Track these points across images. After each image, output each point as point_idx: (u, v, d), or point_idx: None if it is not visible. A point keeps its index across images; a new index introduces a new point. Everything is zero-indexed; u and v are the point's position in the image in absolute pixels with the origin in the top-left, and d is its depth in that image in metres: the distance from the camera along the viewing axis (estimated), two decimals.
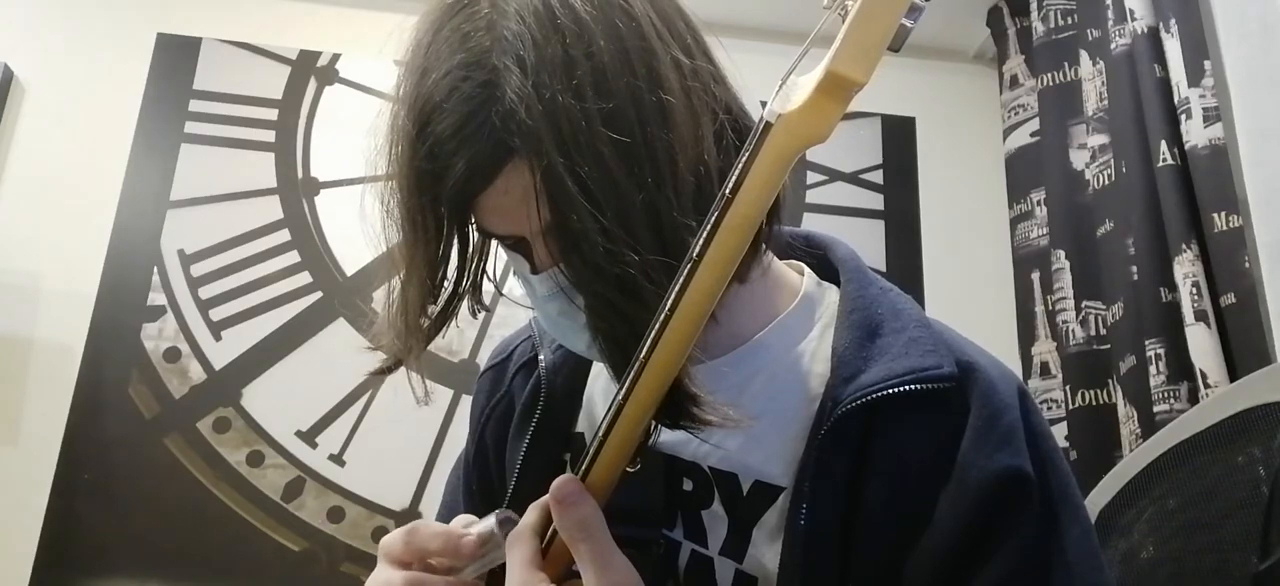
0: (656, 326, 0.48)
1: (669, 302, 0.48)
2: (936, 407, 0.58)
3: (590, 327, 0.54)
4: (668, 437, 0.63)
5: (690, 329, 0.48)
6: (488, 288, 0.64)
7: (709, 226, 0.47)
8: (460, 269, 0.61)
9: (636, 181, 0.52)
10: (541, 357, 0.72)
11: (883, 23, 0.42)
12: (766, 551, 0.59)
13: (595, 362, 0.71)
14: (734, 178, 0.47)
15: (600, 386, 0.70)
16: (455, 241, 0.59)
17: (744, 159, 0.46)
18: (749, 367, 0.63)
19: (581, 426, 0.70)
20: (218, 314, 1.89)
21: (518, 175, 0.53)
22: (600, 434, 0.50)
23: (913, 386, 0.57)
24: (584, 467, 0.51)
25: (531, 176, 0.52)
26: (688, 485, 0.63)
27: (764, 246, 0.63)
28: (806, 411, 0.60)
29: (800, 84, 0.46)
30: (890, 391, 0.57)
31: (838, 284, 0.67)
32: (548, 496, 0.50)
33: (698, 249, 0.47)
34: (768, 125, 0.46)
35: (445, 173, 0.53)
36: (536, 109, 0.51)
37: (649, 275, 0.51)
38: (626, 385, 0.49)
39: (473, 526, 0.57)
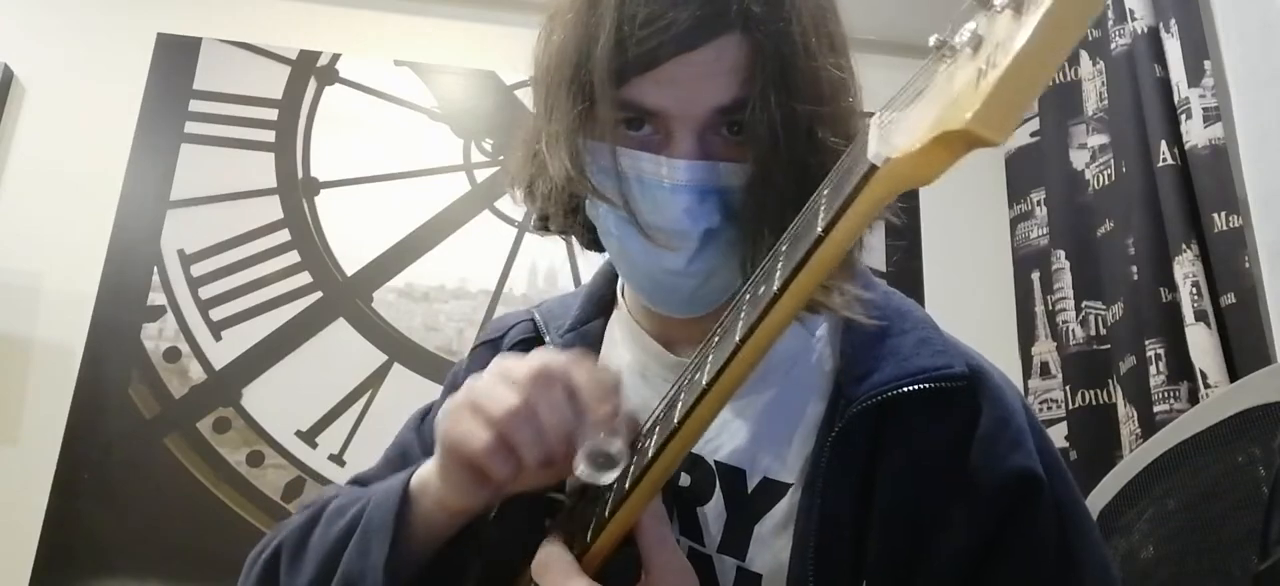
0: (727, 356, 0.47)
1: (739, 332, 0.46)
2: (948, 408, 0.58)
3: (736, 221, 0.57)
4: None
5: (754, 358, 0.47)
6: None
7: (796, 262, 0.44)
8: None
9: (841, 93, 0.58)
10: (548, 340, 0.71)
11: (1035, 82, 0.35)
12: (772, 549, 0.59)
13: (603, 347, 0.71)
14: (829, 218, 0.43)
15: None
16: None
17: (842, 200, 0.43)
18: (759, 367, 0.63)
19: None
20: (218, 314, 1.89)
21: (732, 47, 0.55)
22: (652, 452, 0.50)
23: (925, 385, 0.58)
24: (637, 478, 0.50)
25: (749, 53, 0.56)
26: (685, 480, 0.63)
27: None
28: (815, 410, 0.61)
29: (902, 123, 0.40)
30: (903, 390, 0.58)
31: None
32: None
33: (779, 283, 0.45)
34: (872, 168, 0.41)
35: (657, 19, 0.55)
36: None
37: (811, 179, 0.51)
38: (682, 410, 0.49)
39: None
